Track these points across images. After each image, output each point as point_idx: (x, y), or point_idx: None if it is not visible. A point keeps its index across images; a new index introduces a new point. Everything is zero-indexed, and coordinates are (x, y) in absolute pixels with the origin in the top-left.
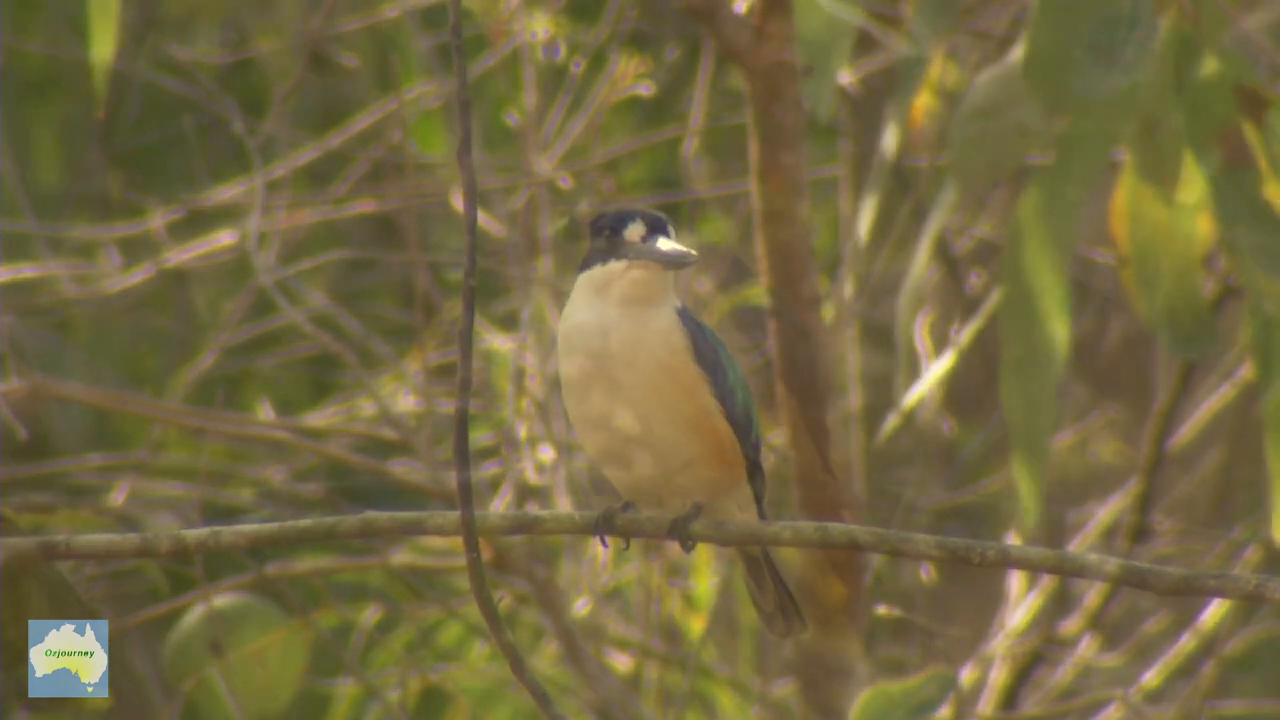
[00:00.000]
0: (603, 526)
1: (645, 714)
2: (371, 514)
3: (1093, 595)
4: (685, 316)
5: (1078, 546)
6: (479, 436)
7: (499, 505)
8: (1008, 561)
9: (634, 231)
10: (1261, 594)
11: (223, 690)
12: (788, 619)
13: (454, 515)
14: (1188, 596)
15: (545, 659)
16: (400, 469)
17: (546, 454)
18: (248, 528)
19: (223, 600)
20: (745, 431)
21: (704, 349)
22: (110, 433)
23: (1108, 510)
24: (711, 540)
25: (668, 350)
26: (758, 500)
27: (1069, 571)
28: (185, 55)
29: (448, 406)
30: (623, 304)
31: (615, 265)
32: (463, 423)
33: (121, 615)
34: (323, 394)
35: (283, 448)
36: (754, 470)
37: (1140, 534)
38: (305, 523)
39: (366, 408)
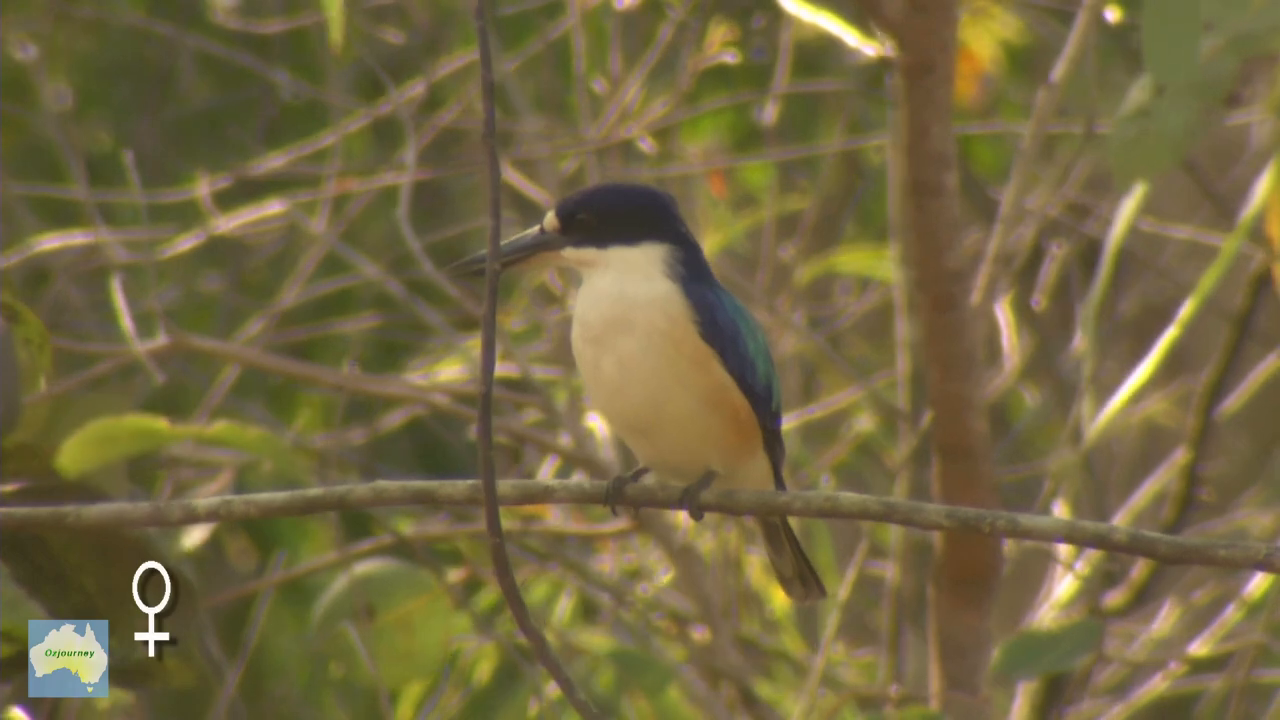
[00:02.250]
0: (614, 496)
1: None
2: (382, 483)
3: (1140, 567)
4: (694, 288)
5: (1125, 516)
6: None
7: (546, 473)
8: (1017, 531)
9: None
10: (1271, 563)
11: (363, 656)
12: (805, 585)
13: (464, 484)
14: (1194, 565)
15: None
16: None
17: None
18: (259, 497)
19: (369, 565)
20: (764, 403)
21: (716, 321)
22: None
23: (1155, 480)
24: (722, 509)
25: (667, 319)
26: (775, 469)
27: (1079, 540)
28: (237, 24)
29: (538, 372)
30: (605, 278)
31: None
32: (486, 405)
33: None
34: (387, 361)
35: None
36: (772, 440)
37: (1187, 503)
38: (316, 492)
39: (445, 372)
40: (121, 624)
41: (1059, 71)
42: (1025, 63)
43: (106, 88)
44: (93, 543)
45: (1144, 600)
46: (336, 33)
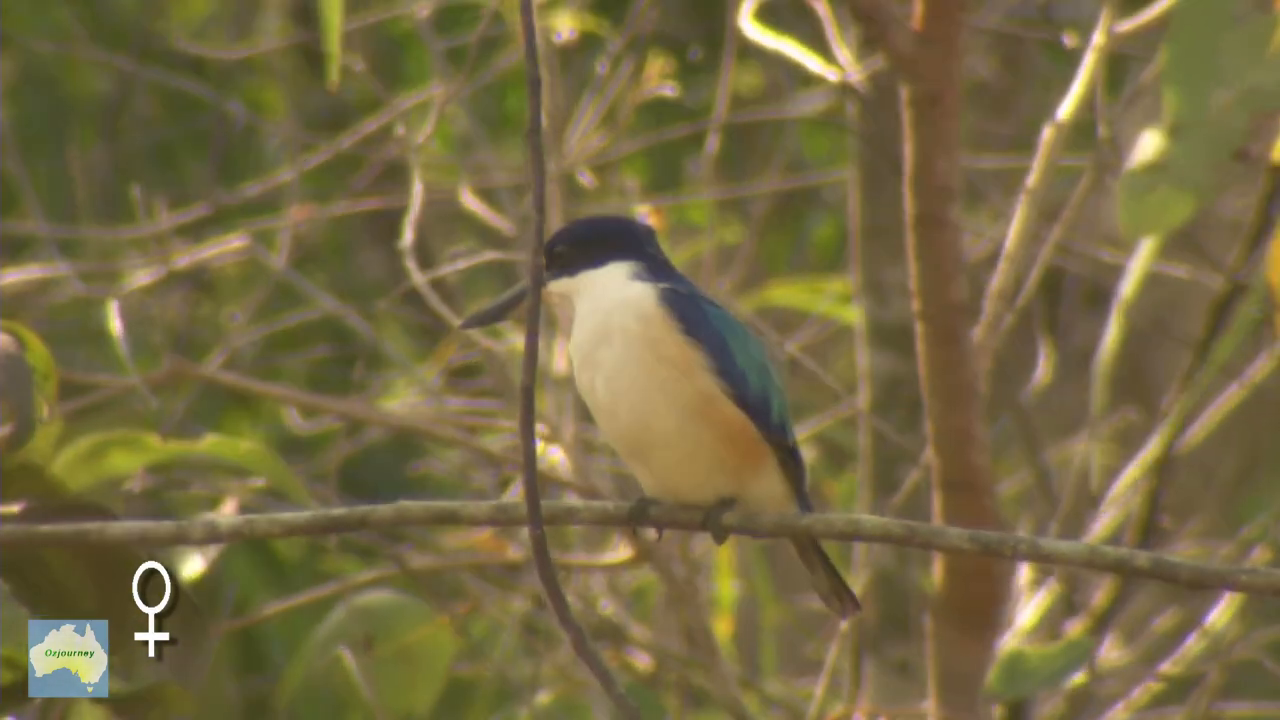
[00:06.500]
0: (637, 517)
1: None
2: (405, 503)
3: (1100, 595)
4: (666, 290)
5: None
6: (501, 436)
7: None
8: (1038, 555)
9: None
10: None
11: (362, 687)
12: (841, 599)
13: (487, 505)
14: (1210, 591)
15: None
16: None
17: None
18: (283, 516)
19: (370, 596)
20: (762, 415)
21: (694, 321)
22: None
23: (1118, 510)
24: (745, 532)
25: (640, 320)
26: (796, 489)
27: (1100, 566)
28: (192, 52)
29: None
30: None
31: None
32: (529, 399)
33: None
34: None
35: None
36: (786, 458)
37: (1149, 533)
38: (339, 512)
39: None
40: (121, 648)
41: (1064, 110)
42: (986, 94)
43: (57, 120)
44: (93, 565)
45: (1104, 628)
46: (334, 72)
